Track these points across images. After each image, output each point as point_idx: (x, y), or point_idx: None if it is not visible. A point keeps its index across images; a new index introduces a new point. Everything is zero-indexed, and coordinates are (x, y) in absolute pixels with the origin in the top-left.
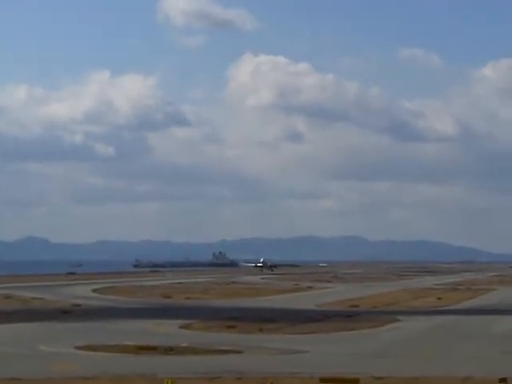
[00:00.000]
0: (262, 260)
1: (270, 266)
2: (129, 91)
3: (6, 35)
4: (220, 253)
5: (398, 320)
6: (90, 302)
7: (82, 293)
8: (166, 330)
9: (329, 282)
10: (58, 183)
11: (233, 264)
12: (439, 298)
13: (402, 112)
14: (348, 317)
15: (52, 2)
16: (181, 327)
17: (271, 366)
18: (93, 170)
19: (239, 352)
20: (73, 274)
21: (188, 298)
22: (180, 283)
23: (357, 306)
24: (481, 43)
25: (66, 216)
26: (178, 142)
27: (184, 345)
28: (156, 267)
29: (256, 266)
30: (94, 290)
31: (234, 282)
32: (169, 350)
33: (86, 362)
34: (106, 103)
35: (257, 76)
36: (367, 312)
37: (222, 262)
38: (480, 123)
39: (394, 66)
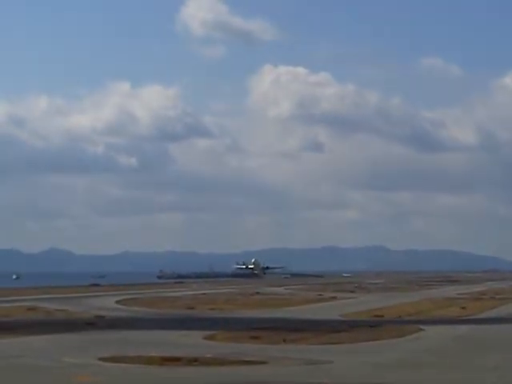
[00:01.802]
0: (253, 261)
1: (262, 268)
2: (149, 102)
3: (26, 46)
4: (243, 263)
5: (421, 330)
6: (113, 313)
7: (106, 304)
8: (190, 341)
9: (352, 292)
10: (80, 194)
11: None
12: (463, 308)
13: (422, 121)
14: (372, 327)
15: (71, 13)
16: (205, 338)
17: (295, 377)
18: (115, 181)
19: (263, 362)
20: (96, 285)
21: (212, 309)
22: (204, 294)
23: (380, 315)
24: (501, 52)
25: (90, 227)
26: (199, 153)
27: (208, 356)
28: (180, 278)
29: (247, 268)
30: (118, 302)
31: (257, 293)
32: (193, 361)
33: (109, 374)
34: (127, 114)
35: (277, 86)
36: (391, 322)
37: (245, 273)
38: (502, 132)
39: (414, 76)
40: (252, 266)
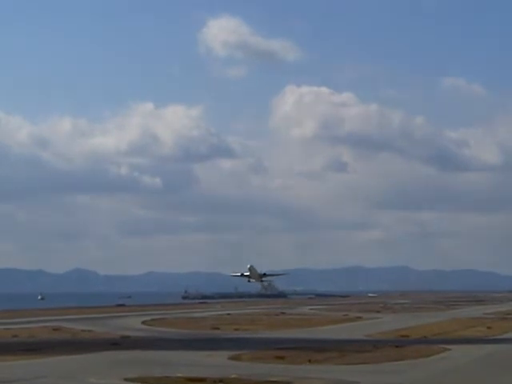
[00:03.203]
0: (248, 267)
1: (259, 275)
2: (173, 122)
3: (50, 68)
4: (269, 284)
5: (447, 349)
6: (139, 333)
7: (132, 324)
8: (215, 362)
9: (378, 312)
10: (105, 215)
11: (281, 295)
12: (489, 328)
13: (446, 141)
14: (397, 347)
15: (95, 36)
16: (230, 358)
17: None
18: (140, 201)
19: (288, 383)
20: (122, 305)
21: (237, 329)
22: (229, 314)
23: (406, 335)
24: None
25: (115, 248)
26: (223, 174)
27: (233, 376)
28: (205, 298)
29: (242, 276)
30: (144, 322)
31: (282, 313)
32: (218, 382)
33: None
34: (150, 135)
35: (300, 106)
36: (417, 342)
37: (270, 293)
38: None
39: (437, 96)
40: (248, 274)
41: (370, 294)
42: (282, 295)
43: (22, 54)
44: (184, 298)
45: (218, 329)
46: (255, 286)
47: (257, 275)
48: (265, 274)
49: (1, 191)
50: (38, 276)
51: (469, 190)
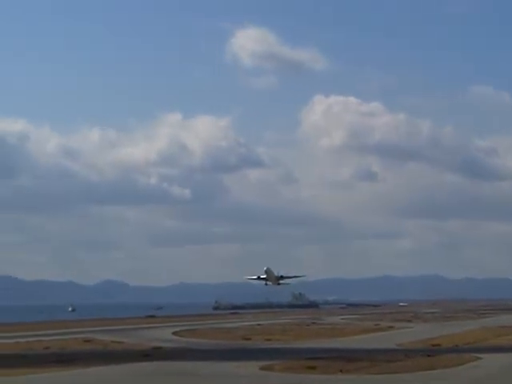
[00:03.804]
0: (265, 269)
1: (276, 277)
2: (202, 133)
3: (78, 79)
4: (300, 294)
5: (479, 358)
6: (170, 344)
7: (162, 335)
8: (247, 372)
9: (409, 321)
10: (134, 226)
11: (312, 305)
12: None
13: (474, 150)
14: (429, 356)
15: (123, 46)
16: (261, 369)
17: None
18: (169, 212)
19: None
20: (152, 316)
21: (268, 340)
22: (260, 325)
23: (438, 344)
24: None
25: (144, 259)
26: (252, 184)
27: None
28: (236, 309)
29: (259, 279)
30: (174, 333)
31: (314, 323)
32: None
33: None
34: (179, 145)
35: (329, 116)
36: (448, 351)
37: (301, 303)
38: None
39: (465, 104)
40: (264, 276)
41: (400, 304)
42: (313, 305)
43: (50, 65)
44: (215, 308)
45: (249, 339)
46: (286, 296)
47: (273, 278)
48: (282, 277)
49: (31, 203)
50: (69, 287)
51: (498, 199)
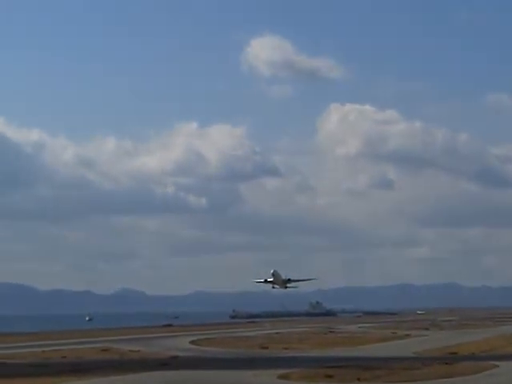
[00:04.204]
0: (272, 272)
1: (283, 281)
2: (217, 142)
3: (93, 88)
4: (317, 302)
5: (496, 366)
6: (187, 353)
7: (180, 344)
8: (265, 381)
9: (426, 329)
10: (151, 235)
11: (329, 313)
12: None
13: (490, 157)
14: (446, 364)
15: (137, 56)
16: (279, 377)
17: None
18: (186, 221)
19: None
20: (169, 325)
21: (286, 348)
22: (277, 333)
23: (455, 352)
24: None
25: (161, 268)
26: (269, 192)
27: None
28: (253, 318)
29: (266, 282)
30: (192, 342)
31: (331, 332)
32: None
33: None
34: (195, 154)
35: (345, 125)
36: (465, 358)
37: (318, 312)
38: None
39: (481, 112)
40: (271, 279)
41: (418, 312)
42: (330, 313)
43: (65, 75)
44: (232, 317)
45: (266, 348)
46: (303, 305)
47: (281, 281)
48: (289, 280)
49: (48, 212)
50: (86, 297)
51: None
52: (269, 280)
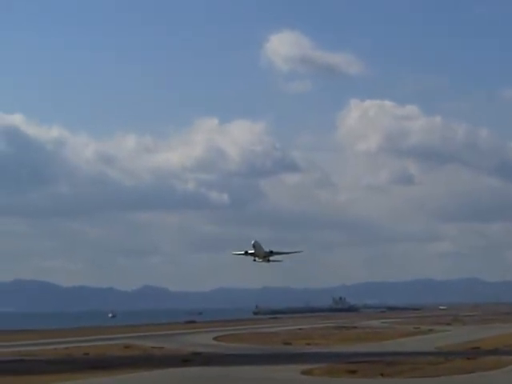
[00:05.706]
0: (252, 243)
1: (265, 253)
2: (238, 138)
3: (114, 86)
4: (340, 298)
5: None
6: (210, 349)
7: (203, 341)
8: (288, 376)
9: (449, 324)
10: (173, 231)
11: (352, 309)
12: None
13: (510, 152)
14: (469, 359)
15: (157, 52)
16: (302, 373)
17: None
18: (207, 217)
19: None
20: (192, 322)
21: (308, 344)
22: (300, 329)
23: (477, 347)
24: None
25: (183, 264)
26: (289, 188)
27: None
28: (276, 314)
29: (246, 254)
30: (215, 338)
31: (354, 327)
32: None
33: None
34: (215, 150)
35: (365, 120)
36: (488, 353)
37: (341, 307)
38: None
39: (501, 106)
40: (252, 251)
41: (440, 307)
42: (353, 309)
43: (85, 72)
44: (255, 313)
45: (289, 344)
46: (327, 300)
47: (262, 253)
48: (272, 252)
49: (69, 209)
50: (108, 293)
51: None
52: (249, 252)
